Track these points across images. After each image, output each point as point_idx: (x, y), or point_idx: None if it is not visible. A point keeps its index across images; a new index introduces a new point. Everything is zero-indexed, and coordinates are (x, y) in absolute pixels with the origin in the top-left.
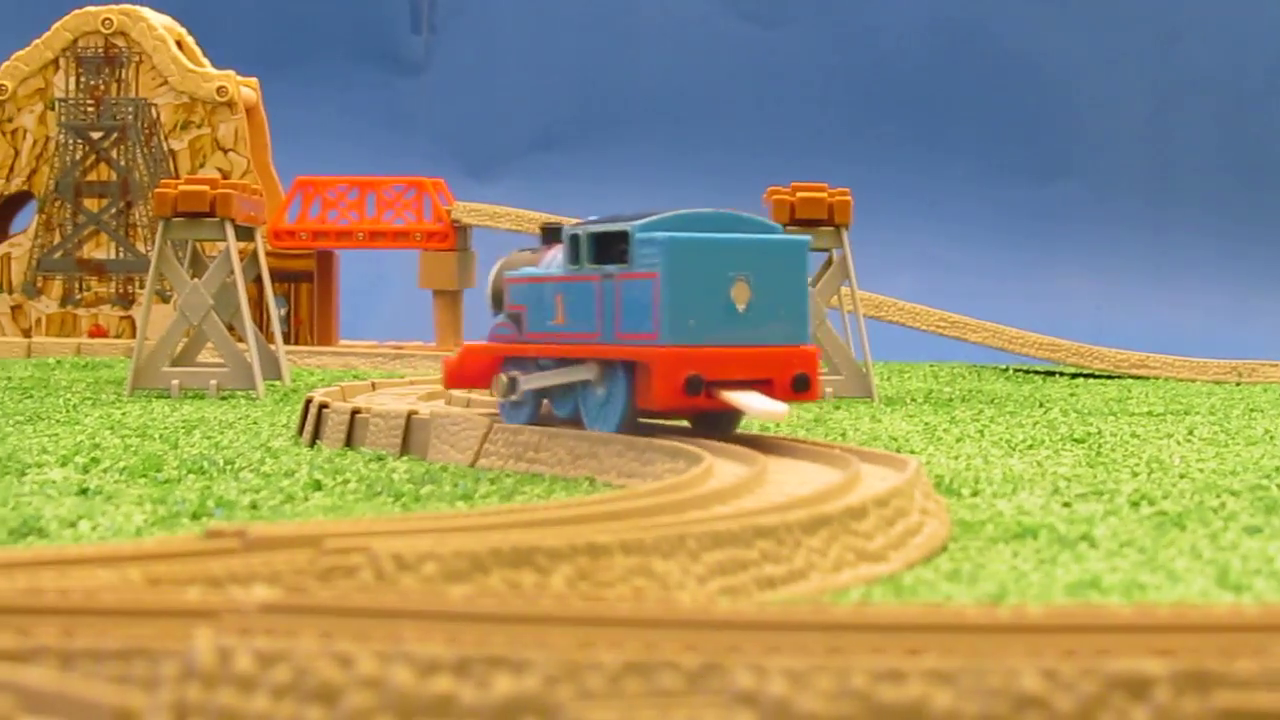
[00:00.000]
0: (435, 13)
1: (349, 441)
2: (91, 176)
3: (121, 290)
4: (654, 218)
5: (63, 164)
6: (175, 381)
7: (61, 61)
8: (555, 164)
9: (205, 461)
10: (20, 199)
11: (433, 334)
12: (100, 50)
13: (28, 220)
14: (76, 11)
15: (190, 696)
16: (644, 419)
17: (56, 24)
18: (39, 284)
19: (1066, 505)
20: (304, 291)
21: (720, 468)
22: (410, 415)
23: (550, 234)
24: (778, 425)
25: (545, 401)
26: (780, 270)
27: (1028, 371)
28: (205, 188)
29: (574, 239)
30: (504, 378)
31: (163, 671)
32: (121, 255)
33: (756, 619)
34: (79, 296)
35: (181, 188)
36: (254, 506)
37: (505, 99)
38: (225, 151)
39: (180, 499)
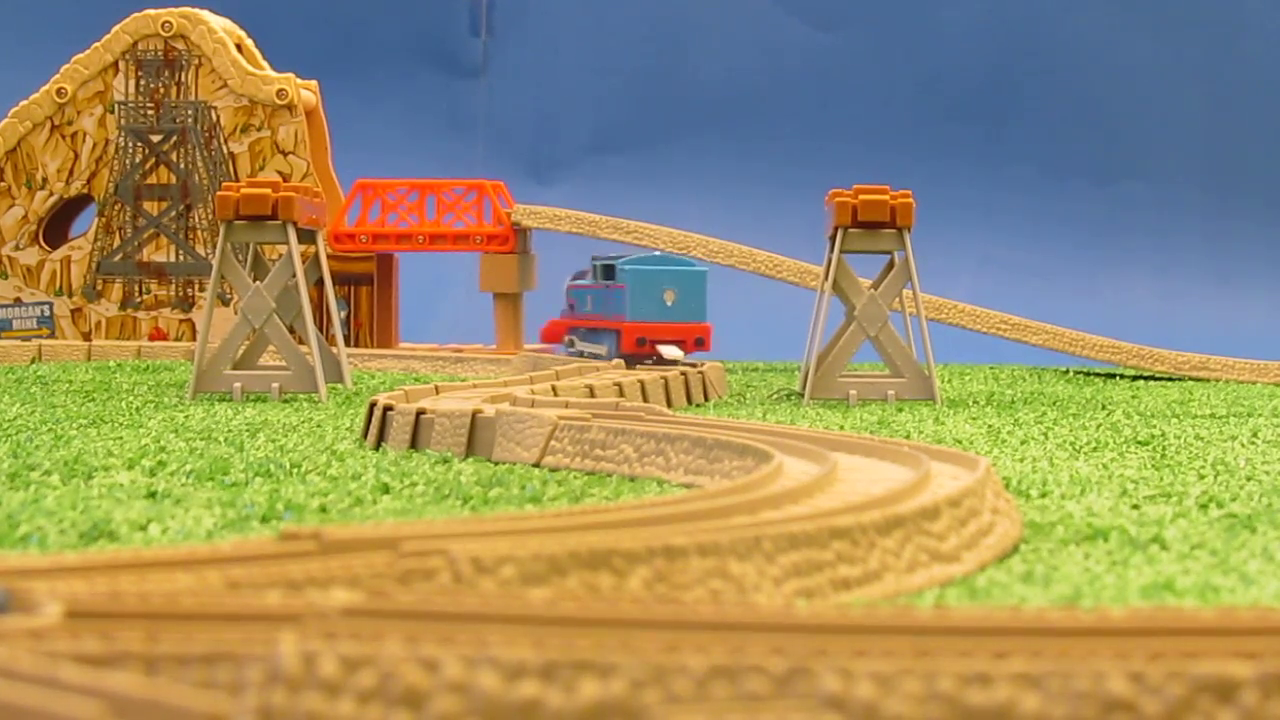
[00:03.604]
0: (494, 15)
1: (414, 443)
2: (151, 179)
3: (182, 293)
4: (629, 258)
5: (122, 167)
6: (237, 385)
7: (121, 64)
8: (615, 166)
9: (271, 465)
10: (80, 202)
11: (493, 337)
12: (160, 53)
13: (88, 223)
14: (136, 15)
15: (276, 701)
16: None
17: (116, 27)
18: (99, 287)
19: (1135, 507)
20: (364, 294)
21: (790, 466)
22: (475, 414)
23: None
24: (842, 425)
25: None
26: (689, 285)
27: (1088, 373)
28: (267, 191)
29: (593, 268)
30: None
31: (248, 676)
32: (181, 258)
33: (843, 622)
34: (139, 299)
35: (243, 191)
36: (323, 510)
37: (564, 101)
38: (285, 154)
39: (249, 502)
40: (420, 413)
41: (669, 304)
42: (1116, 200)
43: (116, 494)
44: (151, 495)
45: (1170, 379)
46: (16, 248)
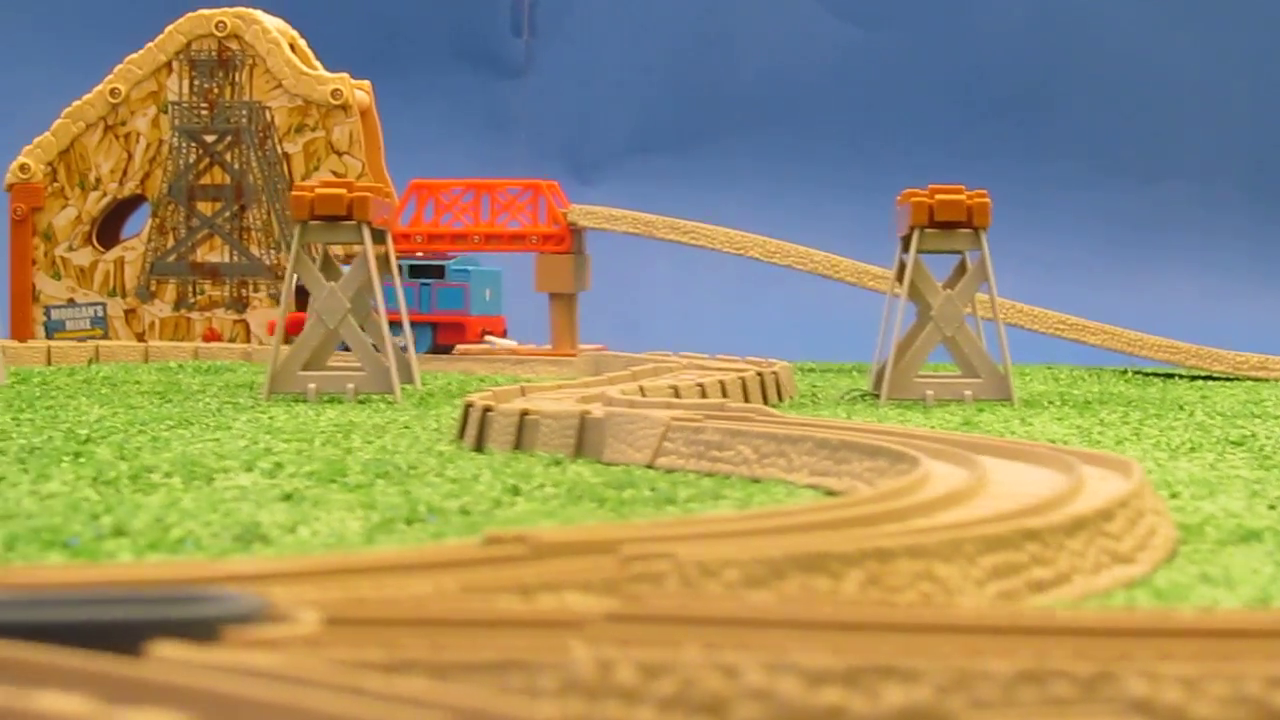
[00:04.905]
0: (536, 15)
1: (517, 445)
2: (205, 180)
3: (235, 294)
4: (453, 260)
5: (176, 167)
6: (312, 385)
7: (175, 65)
8: (657, 166)
9: (388, 466)
10: (134, 202)
11: (548, 337)
12: (214, 53)
13: (141, 224)
14: (190, 15)
15: (574, 710)
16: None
17: (169, 27)
18: (152, 288)
19: (1272, 508)
20: None
21: (932, 467)
22: (584, 415)
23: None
24: (931, 426)
25: None
26: (497, 283)
27: (1143, 373)
28: (342, 191)
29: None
30: None
31: (541, 684)
32: (235, 259)
33: (1145, 626)
34: (193, 300)
35: (319, 191)
36: (465, 512)
37: (606, 101)
38: (340, 154)
39: (387, 504)
40: (524, 414)
41: (488, 299)
42: (1161, 198)
43: (250, 496)
44: (287, 497)
45: (1229, 379)
46: (70, 248)
